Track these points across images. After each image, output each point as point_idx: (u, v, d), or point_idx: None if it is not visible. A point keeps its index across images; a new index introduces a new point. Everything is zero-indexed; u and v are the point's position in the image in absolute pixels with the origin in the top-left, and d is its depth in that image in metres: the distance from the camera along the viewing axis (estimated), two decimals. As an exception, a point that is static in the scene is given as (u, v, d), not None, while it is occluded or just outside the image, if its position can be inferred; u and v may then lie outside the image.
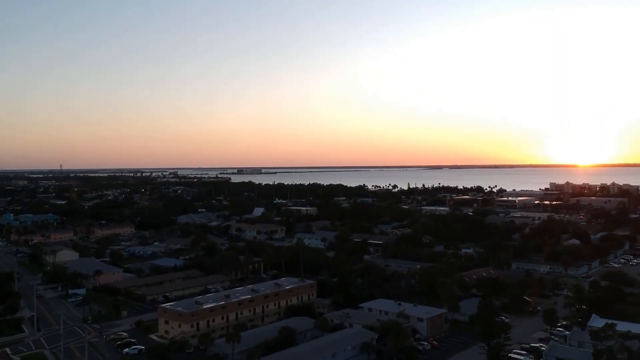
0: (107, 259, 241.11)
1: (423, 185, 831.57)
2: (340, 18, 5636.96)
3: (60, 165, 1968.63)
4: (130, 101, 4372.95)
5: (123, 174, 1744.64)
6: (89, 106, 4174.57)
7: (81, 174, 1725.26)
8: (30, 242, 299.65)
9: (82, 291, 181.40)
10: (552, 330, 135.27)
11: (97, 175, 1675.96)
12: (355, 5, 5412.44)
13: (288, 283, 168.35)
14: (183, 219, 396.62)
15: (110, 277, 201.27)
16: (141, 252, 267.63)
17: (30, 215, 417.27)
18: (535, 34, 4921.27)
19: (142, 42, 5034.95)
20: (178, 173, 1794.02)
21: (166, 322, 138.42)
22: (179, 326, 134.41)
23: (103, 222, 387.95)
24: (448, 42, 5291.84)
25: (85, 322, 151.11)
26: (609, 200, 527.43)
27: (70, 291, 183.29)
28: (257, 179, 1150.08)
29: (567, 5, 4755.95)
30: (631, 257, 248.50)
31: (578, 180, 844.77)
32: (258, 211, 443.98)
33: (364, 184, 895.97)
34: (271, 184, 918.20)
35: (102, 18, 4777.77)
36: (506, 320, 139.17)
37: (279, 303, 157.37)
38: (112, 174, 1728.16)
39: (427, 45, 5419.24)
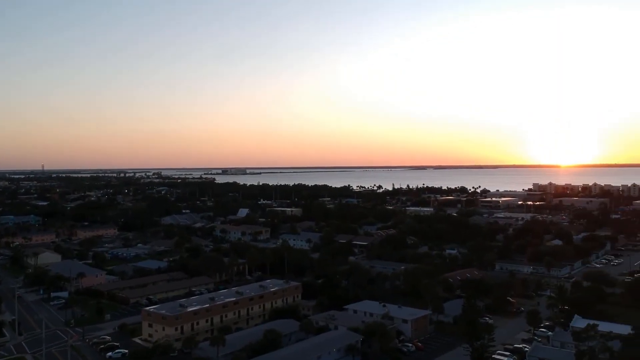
0: (90, 261, 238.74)
1: (407, 185, 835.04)
2: (324, 19, 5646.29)
3: (42, 166, 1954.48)
4: (114, 101, 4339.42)
5: (106, 175, 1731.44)
6: (71, 106, 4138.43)
7: (63, 175, 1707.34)
8: (11, 244, 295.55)
9: (65, 294, 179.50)
10: (535, 331, 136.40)
11: (79, 175, 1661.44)
12: (339, 6, 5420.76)
13: (273, 285, 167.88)
14: (167, 220, 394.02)
15: (93, 279, 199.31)
16: (124, 254, 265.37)
17: (12, 216, 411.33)
18: (517, 35, 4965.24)
19: (125, 42, 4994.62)
20: (162, 173, 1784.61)
21: (150, 326, 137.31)
22: (163, 329, 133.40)
23: (86, 223, 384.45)
24: (431, 43, 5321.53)
25: (67, 325, 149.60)
26: (591, 201, 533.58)
27: (53, 294, 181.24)
28: (242, 180, 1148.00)
29: (551, 6, 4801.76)
30: (612, 257, 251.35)
31: (560, 181, 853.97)
32: (243, 212, 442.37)
33: (348, 185, 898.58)
34: (256, 184, 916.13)
35: (86, 17, 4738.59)
36: (490, 321, 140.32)
37: (263, 305, 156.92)
38: (95, 175, 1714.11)
39: (410, 46, 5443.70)
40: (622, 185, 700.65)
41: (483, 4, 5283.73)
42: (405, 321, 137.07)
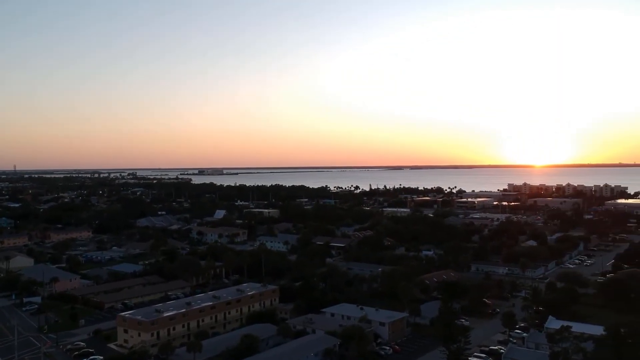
0: (64, 265, 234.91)
1: (385, 186, 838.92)
2: (301, 20, 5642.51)
3: (14, 166, 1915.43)
4: (88, 100, 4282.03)
5: (80, 175, 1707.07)
6: (44, 105, 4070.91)
7: (36, 175, 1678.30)
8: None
9: (38, 299, 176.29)
10: (510, 333, 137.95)
11: (52, 176, 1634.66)
12: (316, 6, 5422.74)
13: (250, 289, 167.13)
14: (142, 222, 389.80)
15: (67, 284, 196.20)
16: (99, 258, 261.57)
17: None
18: (492, 37, 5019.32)
19: (101, 42, 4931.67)
20: (137, 174, 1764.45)
21: (125, 331, 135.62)
22: (139, 335, 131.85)
23: (59, 226, 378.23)
24: (409, 44, 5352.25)
25: (40, 331, 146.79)
26: (565, 201, 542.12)
27: (25, 299, 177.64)
28: (219, 180, 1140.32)
29: (531, 6, 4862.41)
30: (585, 257, 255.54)
31: (535, 181, 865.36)
32: (220, 213, 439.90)
33: (326, 185, 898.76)
34: (233, 185, 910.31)
35: (62, 16, 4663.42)
36: (466, 323, 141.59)
37: (241, 309, 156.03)
38: (69, 175, 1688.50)
39: (387, 47, 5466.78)
40: (594, 186, 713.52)
41: (460, 5, 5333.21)
42: (382, 324, 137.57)
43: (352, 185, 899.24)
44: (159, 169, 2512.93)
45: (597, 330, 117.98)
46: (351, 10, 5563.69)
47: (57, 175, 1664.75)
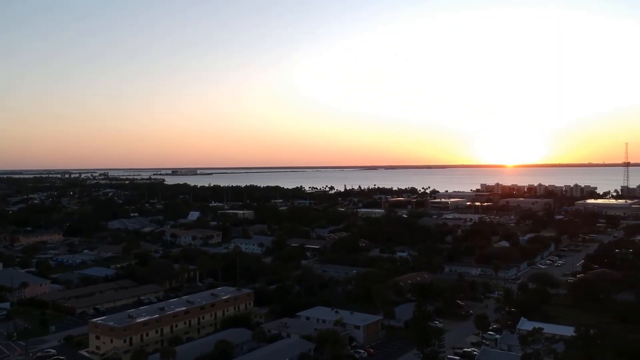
0: (33, 269, 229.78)
1: (359, 186, 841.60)
2: (275, 18, 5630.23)
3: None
4: (59, 99, 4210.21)
5: (50, 176, 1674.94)
6: (13, 103, 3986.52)
7: (4, 175, 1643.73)
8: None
9: (6, 305, 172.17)
10: (483, 335, 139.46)
11: (22, 176, 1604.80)
12: (291, 6, 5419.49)
13: (224, 292, 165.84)
14: (114, 224, 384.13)
15: (37, 289, 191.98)
16: (70, 261, 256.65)
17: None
18: (462, 35, 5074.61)
19: (74, 41, 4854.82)
20: (109, 174, 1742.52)
21: (97, 337, 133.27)
22: (111, 341, 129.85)
23: (29, 228, 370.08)
24: (381, 44, 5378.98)
25: (9, 339, 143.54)
26: (536, 201, 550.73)
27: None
28: (192, 181, 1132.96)
29: (498, 5, 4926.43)
30: (556, 258, 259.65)
31: (507, 181, 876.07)
32: (193, 215, 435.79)
33: (300, 186, 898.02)
34: (207, 185, 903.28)
35: (34, 13, 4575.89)
36: (440, 325, 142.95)
37: (215, 314, 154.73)
38: (39, 176, 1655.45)
39: (360, 46, 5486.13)
40: (565, 186, 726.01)
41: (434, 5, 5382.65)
42: (357, 327, 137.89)
43: (326, 186, 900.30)
44: (131, 169, 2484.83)
45: (568, 331, 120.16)
46: (325, 10, 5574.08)
47: (26, 176, 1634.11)
